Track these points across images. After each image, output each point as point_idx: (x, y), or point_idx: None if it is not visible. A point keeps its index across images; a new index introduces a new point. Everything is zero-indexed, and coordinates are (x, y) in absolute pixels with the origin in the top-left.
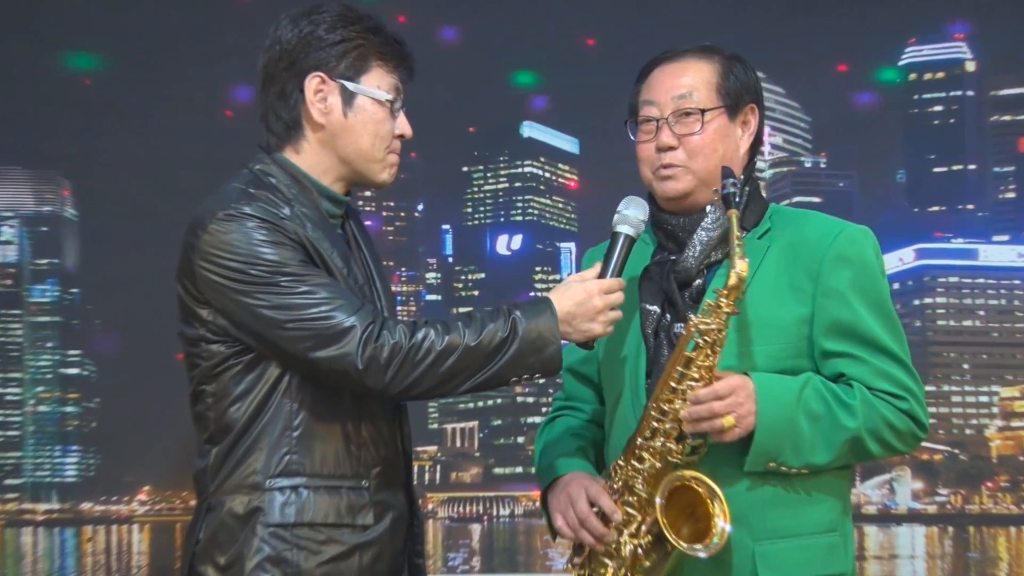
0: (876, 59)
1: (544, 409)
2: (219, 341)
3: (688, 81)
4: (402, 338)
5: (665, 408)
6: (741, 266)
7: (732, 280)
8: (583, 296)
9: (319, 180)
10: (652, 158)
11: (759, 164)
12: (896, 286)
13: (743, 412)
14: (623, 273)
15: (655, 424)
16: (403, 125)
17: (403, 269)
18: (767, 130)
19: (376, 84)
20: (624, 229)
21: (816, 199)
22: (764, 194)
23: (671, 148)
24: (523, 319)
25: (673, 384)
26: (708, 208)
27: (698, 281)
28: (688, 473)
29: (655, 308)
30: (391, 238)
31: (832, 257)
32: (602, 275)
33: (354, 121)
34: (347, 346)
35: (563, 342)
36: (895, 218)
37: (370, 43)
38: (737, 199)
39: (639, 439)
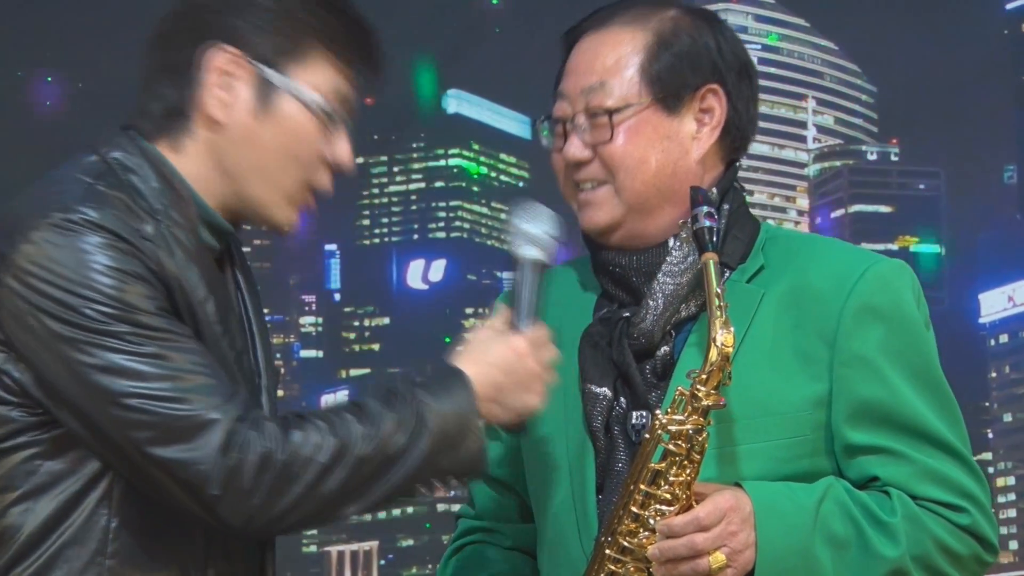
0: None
1: None
2: (13, 404)
3: (601, 65)
4: (274, 443)
5: (626, 544)
6: (724, 338)
7: (712, 357)
8: (511, 357)
9: (202, 196)
10: (565, 176)
11: (801, 156)
12: (1004, 339)
13: (737, 545)
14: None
15: (612, 568)
16: (341, 151)
17: (266, 311)
18: (810, 105)
19: (313, 82)
20: (530, 252)
21: (885, 207)
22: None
23: (582, 163)
24: (431, 403)
25: (636, 510)
26: (671, 241)
27: (664, 348)
28: None
29: (603, 391)
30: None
31: (854, 309)
32: (516, 323)
33: (265, 127)
34: (201, 449)
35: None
36: (1002, 236)
37: (317, 19)
38: (715, 237)
39: None
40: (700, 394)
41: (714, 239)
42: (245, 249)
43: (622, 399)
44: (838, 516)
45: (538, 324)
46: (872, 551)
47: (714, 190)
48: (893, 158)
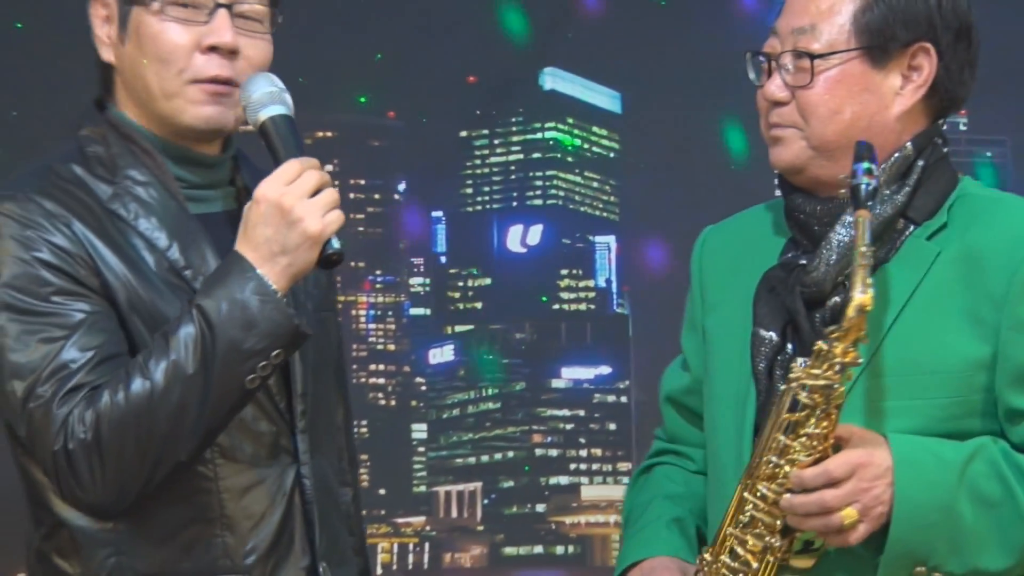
0: None
1: (574, 466)
2: None
3: (816, 7)
4: (77, 424)
5: (763, 489)
6: (861, 299)
7: (850, 314)
8: (264, 208)
9: (158, 136)
10: (763, 111)
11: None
12: None
13: (869, 501)
14: None
15: (750, 510)
16: (210, 32)
17: (377, 272)
18: None
19: None
20: (271, 112)
21: None
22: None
23: (780, 103)
24: (207, 299)
25: (773, 457)
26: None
27: (835, 299)
28: None
29: (770, 335)
30: (360, 229)
31: None
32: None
33: (131, 48)
34: (40, 436)
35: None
36: None
37: None
38: (870, 198)
39: (729, 527)
40: (836, 350)
41: (869, 199)
42: (356, 216)
43: (789, 345)
44: (988, 475)
45: (298, 158)
46: (1022, 512)
47: (909, 144)
48: (961, 127)
